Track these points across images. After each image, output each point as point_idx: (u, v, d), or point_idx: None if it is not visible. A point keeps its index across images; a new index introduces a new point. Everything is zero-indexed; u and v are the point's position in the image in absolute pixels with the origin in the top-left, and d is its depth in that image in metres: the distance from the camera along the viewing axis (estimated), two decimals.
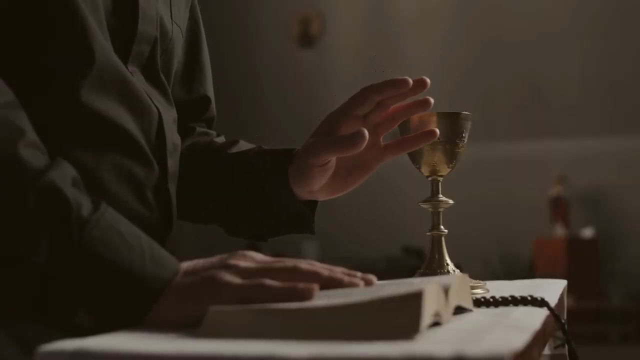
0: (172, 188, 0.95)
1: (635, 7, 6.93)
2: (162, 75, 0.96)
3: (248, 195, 1.06)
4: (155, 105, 0.91)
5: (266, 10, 7.89)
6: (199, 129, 1.16)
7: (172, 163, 0.95)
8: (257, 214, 1.07)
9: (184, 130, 1.13)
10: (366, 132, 0.91)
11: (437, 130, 0.95)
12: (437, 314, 0.64)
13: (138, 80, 0.90)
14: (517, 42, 7.16)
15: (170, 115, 0.96)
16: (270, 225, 1.08)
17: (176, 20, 1.00)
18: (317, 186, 1.00)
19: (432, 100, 0.97)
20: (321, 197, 1.05)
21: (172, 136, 0.95)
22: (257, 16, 7.88)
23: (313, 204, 1.06)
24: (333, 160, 0.98)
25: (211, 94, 1.17)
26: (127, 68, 0.88)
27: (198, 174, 1.09)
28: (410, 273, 1.05)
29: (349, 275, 0.74)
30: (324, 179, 1.00)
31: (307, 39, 7.84)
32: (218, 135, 1.18)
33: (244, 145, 1.12)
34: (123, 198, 0.86)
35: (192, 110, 1.14)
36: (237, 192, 1.07)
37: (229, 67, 7.18)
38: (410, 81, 0.95)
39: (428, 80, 0.96)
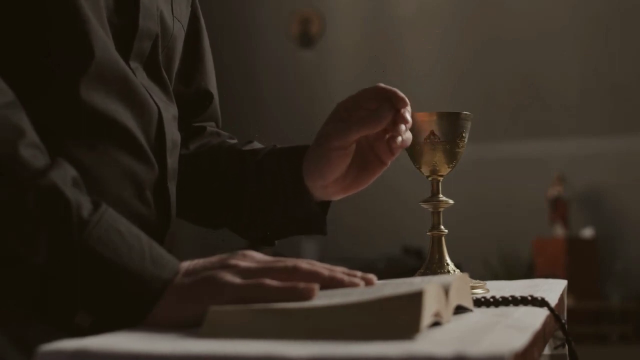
0: (172, 186, 0.95)
1: (635, 7, 6.93)
2: (163, 71, 0.96)
3: (263, 197, 1.06)
4: (155, 102, 0.91)
5: (266, 10, 7.89)
6: (209, 129, 1.15)
7: (172, 161, 0.95)
8: (271, 215, 1.07)
9: (195, 129, 1.12)
10: (390, 110, 0.93)
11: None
12: (437, 314, 0.64)
13: (140, 77, 0.90)
14: (517, 42, 7.16)
15: (170, 112, 0.95)
16: (283, 226, 1.08)
17: (177, 16, 1.00)
18: (333, 176, 1.00)
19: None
20: (334, 195, 1.04)
21: (172, 134, 0.95)
22: (257, 16, 7.88)
23: (325, 205, 1.06)
24: (353, 145, 0.99)
25: (214, 90, 1.16)
26: (129, 65, 0.88)
27: (211, 176, 1.09)
28: (411, 273, 1.05)
29: (349, 275, 0.74)
30: (342, 166, 0.99)
31: (307, 39, 7.84)
32: (230, 137, 1.17)
33: (257, 145, 1.12)
34: (122, 196, 0.86)
35: (194, 105, 1.13)
36: (247, 189, 1.07)
37: (229, 67, 7.17)
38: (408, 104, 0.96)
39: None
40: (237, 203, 1.08)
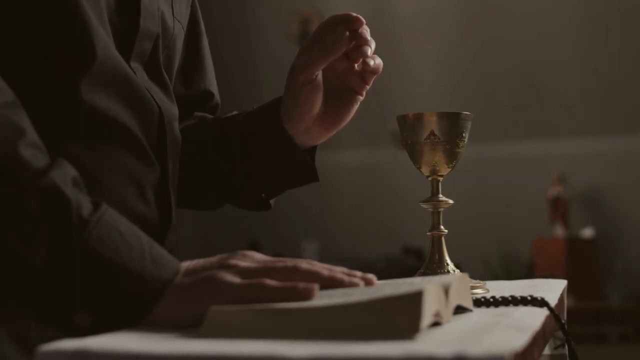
0: (173, 186, 0.95)
1: (635, 7, 6.94)
2: (164, 71, 0.96)
3: (246, 154, 1.06)
4: (156, 103, 0.91)
5: (266, 10, 7.90)
6: (197, 114, 1.15)
7: (173, 161, 0.95)
8: (258, 170, 1.07)
9: (182, 114, 1.13)
10: (345, 31, 0.94)
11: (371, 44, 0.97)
12: (437, 314, 0.64)
13: (140, 77, 0.90)
14: (517, 42, 7.16)
15: (171, 113, 0.96)
16: (276, 183, 1.09)
17: (177, 16, 1.01)
18: (310, 113, 1.00)
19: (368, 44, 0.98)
20: (318, 137, 1.05)
21: (173, 134, 0.95)
22: (257, 16, 7.88)
23: (312, 151, 1.07)
24: (319, 77, 0.99)
25: (214, 88, 1.17)
26: (129, 65, 0.88)
27: (201, 162, 1.09)
28: (411, 273, 1.05)
29: (349, 275, 0.74)
30: (315, 101, 1.00)
31: (306, 39, 7.83)
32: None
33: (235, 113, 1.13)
34: (123, 195, 0.86)
35: (193, 105, 1.14)
36: (234, 155, 1.07)
37: (229, 67, 7.18)
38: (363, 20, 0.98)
39: (362, 19, 0.98)
40: (227, 171, 1.08)
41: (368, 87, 1.02)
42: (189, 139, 1.08)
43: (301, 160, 1.05)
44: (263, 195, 1.11)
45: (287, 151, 1.04)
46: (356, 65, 1.01)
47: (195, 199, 1.13)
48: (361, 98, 1.03)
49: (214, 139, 1.09)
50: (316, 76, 0.99)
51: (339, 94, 1.02)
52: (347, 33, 0.95)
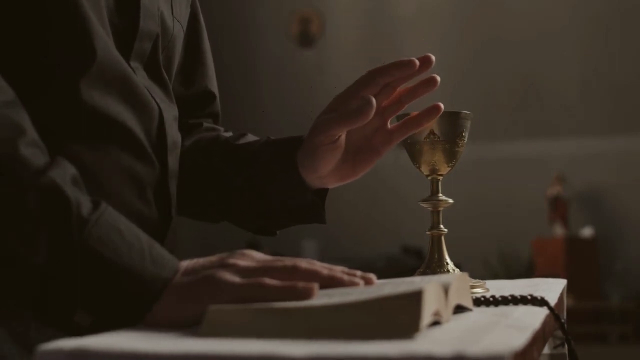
0: (172, 186, 0.95)
1: (635, 7, 6.94)
2: (164, 71, 0.96)
3: (257, 186, 1.04)
4: (156, 102, 0.91)
5: (266, 10, 7.90)
6: (206, 125, 1.14)
7: (173, 161, 0.95)
8: (266, 205, 1.05)
9: (191, 125, 1.12)
10: (373, 100, 0.89)
11: (442, 105, 0.94)
12: (437, 313, 0.64)
13: (140, 77, 0.90)
14: (517, 42, 7.17)
15: (171, 113, 0.95)
16: (280, 217, 1.07)
17: (177, 16, 1.00)
18: (326, 168, 0.99)
19: (438, 78, 0.95)
20: (331, 184, 1.03)
21: (173, 134, 0.95)
22: (257, 16, 7.89)
23: (323, 192, 1.05)
24: (342, 138, 0.97)
25: (215, 89, 1.15)
26: (129, 65, 0.88)
27: (204, 168, 1.08)
28: (410, 272, 1.05)
29: (348, 274, 0.74)
30: (332, 159, 0.98)
31: (306, 39, 7.84)
32: (226, 131, 1.16)
33: (251, 138, 1.11)
34: (123, 195, 0.86)
35: (194, 105, 1.13)
36: (245, 183, 1.05)
37: (229, 67, 7.17)
38: (417, 62, 0.93)
39: (433, 57, 0.94)
40: (233, 196, 1.07)
41: (391, 147, 0.99)
42: (197, 148, 1.07)
43: (310, 202, 1.03)
44: (264, 222, 1.09)
45: (297, 192, 1.02)
46: (389, 122, 0.98)
47: (196, 211, 1.12)
48: (380, 157, 1.00)
49: (223, 152, 1.08)
50: (338, 138, 0.96)
51: (360, 149, 1.00)
52: (374, 102, 0.90)
